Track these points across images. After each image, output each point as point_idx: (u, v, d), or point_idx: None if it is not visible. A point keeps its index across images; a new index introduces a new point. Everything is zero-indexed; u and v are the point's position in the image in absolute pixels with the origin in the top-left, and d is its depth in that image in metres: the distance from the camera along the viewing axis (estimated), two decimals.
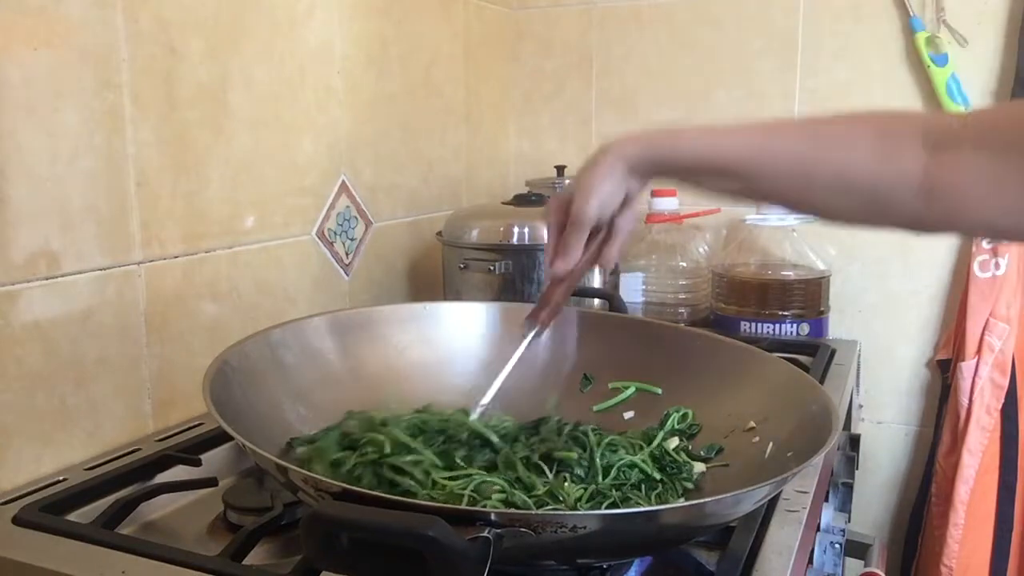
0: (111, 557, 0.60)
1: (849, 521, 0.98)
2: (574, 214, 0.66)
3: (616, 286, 1.21)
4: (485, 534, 0.45)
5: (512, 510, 0.58)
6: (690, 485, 0.68)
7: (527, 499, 0.60)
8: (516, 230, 1.11)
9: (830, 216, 0.63)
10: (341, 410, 0.75)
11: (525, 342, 0.73)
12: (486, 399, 0.72)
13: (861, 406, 1.33)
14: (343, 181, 1.11)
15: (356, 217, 1.14)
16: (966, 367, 1.26)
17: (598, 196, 0.65)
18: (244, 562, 0.61)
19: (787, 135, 0.63)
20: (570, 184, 0.68)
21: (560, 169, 1.41)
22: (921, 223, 0.58)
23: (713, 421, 0.74)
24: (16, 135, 0.70)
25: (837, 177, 0.59)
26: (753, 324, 1.21)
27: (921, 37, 1.25)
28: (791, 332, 1.20)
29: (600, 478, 0.65)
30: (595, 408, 0.81)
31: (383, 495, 0.48)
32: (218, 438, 0.80)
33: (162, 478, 0.75)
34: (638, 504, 0.63)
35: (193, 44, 0.86)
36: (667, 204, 1.31)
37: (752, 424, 0.71)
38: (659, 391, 0.80)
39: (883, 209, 0.59)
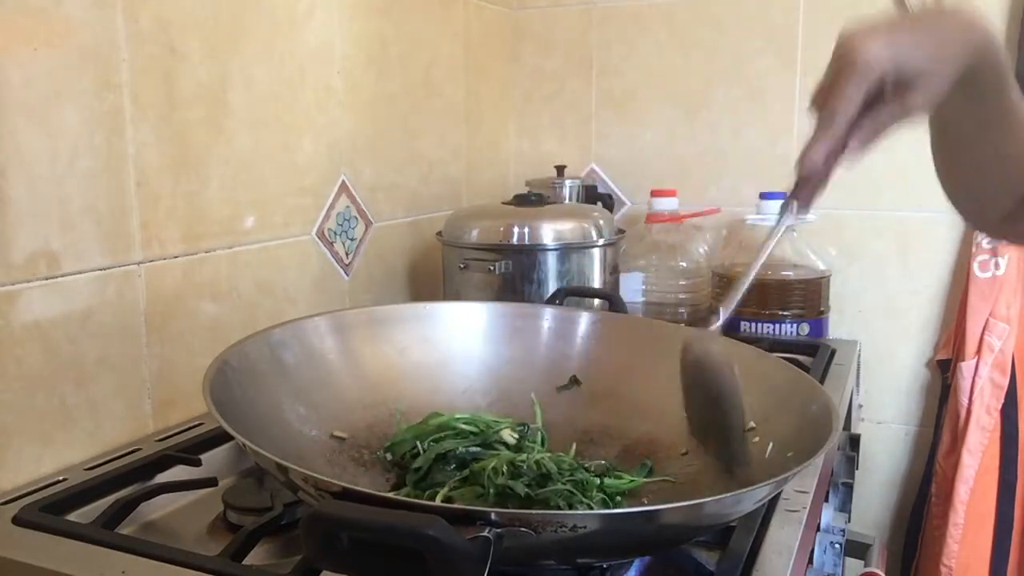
0: (111, 557, 0.60)
1: (849, 521, 0.98)
2: (912, 103, 0.56)
3: (616, 286, 1.21)
4: (485, 534, 0.45)
5: (512, 510, 0.58)
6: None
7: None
8: (516, 230, 1.11)
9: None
10: (341, 410, 0.75)
11: (783, 225, 0.66)
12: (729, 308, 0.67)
13: (861, 406, 1.33)
14: (343, 181, 1.11)
15: (356, 217, 1.14)
16: (966, 367, 1.26)
17: (941, 95, 0.57)
18: (244, 562, 0.61)
19: None
20: (910, 37, 0.56)
21: (560, 169, 1.41)
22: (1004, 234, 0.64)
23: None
24: (16, 135, 0.70)
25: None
26: (753, 324, 1.21)
27: None
28: (791, 332, 1.20)
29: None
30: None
31: (383, 495, 0.48)
32: (218, 438, 0.80)
33: (162, 478, 0.75)
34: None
35: (193, 44, 0.86)
36: (667, 204, 1.31)
37: (752, 424, 0.71)
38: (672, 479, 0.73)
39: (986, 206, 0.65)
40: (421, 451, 0.70)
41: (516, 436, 0.73)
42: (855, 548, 1.12)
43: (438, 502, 0.61)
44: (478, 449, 0.70)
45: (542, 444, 0.75)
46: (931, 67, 0.55)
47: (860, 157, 0.59)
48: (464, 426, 0.73)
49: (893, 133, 0.58)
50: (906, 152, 1.29)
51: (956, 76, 0.57)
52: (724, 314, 0.67)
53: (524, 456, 0.67)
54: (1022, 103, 0.63)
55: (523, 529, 0.46)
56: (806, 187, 0.63)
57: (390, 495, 0.50)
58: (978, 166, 0.67)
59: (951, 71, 0.56)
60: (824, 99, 0.57)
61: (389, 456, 0.72)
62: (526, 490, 0.62)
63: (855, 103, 0.56)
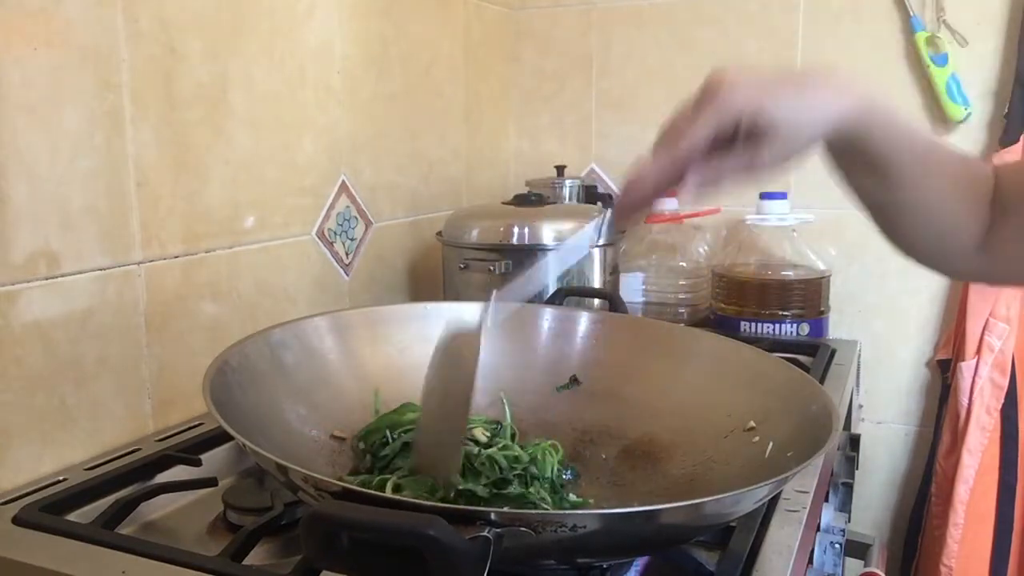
0: (111, 557, 0.60)
1: (849, 521, 0.98)
2: (761, 156, 0.54)
3: (616, 286, 1.21)
4: (485, 534, 0.45)
5: (512, 510, 0.58)
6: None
7: None
8: (516, 230, 1.11)
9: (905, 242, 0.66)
10: (341, 410, 0.75)
11: (588, 228, 0.63)
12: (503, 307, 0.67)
13: (861, 406, 1.33)
14: (343, 181, 1.11)
15: (356, 217, 1.14)
16: (966, 367, 1.26)
17: (793, 154, 0.56)
18: (244, 562, 0.61)
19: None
20: (772, 87, 0.55)
21: (560, 169, 1.41)
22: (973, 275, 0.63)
23: (713, 421, 0.74)
24: (16, 135, 0.70)
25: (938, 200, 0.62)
26: (753, 324, 1.21)
27: (921, 37, 1.25)
28: (791, 332, 1.20)
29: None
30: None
31: (383, 495, 0.48)
32: (218, 438, 0.80)
33: (162, 478, 0.75)
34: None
35: (193, 44, 0.86)
36: (667, 204, 1.31)
37: (752, 424, 0.71)
38: None
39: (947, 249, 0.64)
40: (390, 440, 0.70)
41: (488, 434, 0.73)
42: (855, 548, 1.12)
43: (388, 491, 0.61)
44: None
45: (512, 440, 0.75)
46: (787, 126, 0.54)
47: (691, 194, 0.56)
48: None
49: (735, 184, 0.56)
50: None
51: (813, 139, 0.56)
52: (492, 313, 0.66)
53: (477, 451, 0.68)
54: (935, 142, 0.62)
55: (523, 529, 0.46)
56: (624, 205, 0.60)
57: (390, 495, 0.50)
58: (918, 226, 0.64)
59: (806, 133, 0.55)
60: (673, 127, 0.56)
61: (362, 444, 0.72)
62: (484, 489, 0.63)
63: (702, 137, 0.55)
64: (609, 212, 0.61)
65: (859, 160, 0.59)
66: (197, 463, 0.76)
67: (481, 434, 0.73)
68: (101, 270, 0.79)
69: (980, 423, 1.25)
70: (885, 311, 1.35)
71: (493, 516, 0.46)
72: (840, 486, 0.97)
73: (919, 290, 1.34)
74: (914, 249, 0.67)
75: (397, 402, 0.78)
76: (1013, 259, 0.62)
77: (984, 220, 0.62)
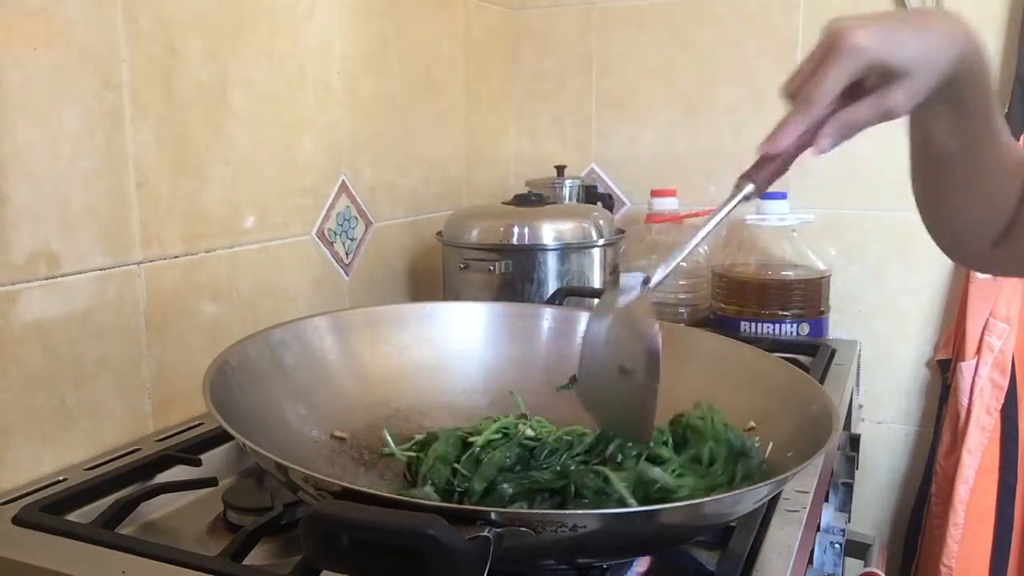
0: (111, 557, 0.60)
1: (849, 521, 0.98)
2: (892, 101, 0.55)
3: (616, 286, 1.21)
4: (485, 533, 0.45)
5: (512, 510, 0.58)
6: None
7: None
8: (516, 230, 1.11)
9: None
10: (341, 410, 0.75)
11: (734, 202, 0.61)
12: (664, 271, 0.66)
13: (861, 406, 1.33)
14: (343, 181, 1.11)
15: (356, 217, 1.14)
16: (966, 367, 1.26)
17: (924, 93, 0.55)
18: (244, 562, 0.61)
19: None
20: (900, 33, 0.54)
21: (560, 169, 1.41)
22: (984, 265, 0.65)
23: None
24: (16, 135, 0.70)
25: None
26: (753, 324, 1.21)
27: None
28: (791, 332, 1.20)
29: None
30: None
31: (383, 494, 0.48)
32: (218, 438, 0.80)
33: (162, 478, 0.75)
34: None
35: (193, 44, 0.86)
36: (667, 204, 1.31)
37: (752, 424, 0.71)
38: None
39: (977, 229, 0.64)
40: (463, 473, 0.65)
41: (532, 428, 0.72)
42: (855, 548, 1.12)
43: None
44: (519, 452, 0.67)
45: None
46: (917, 65, 0.54)
47: (829, 149, 0.56)
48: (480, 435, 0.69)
49: (865, 129, 0.57)
50: (905, 153, 1.30)
51: (941, 79, 0.55)
52: (657, 278, 0.65)
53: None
54: (1005, 128, 0.62)
55: (523, 529, 0.46)
56: (766, 168, 0.59)
57: (389, 495, 0.50)
58: (961, 189, 0.65)
59: (936, 73, 0.55)
60: (801, 84, 0.56)
61: (431, 485, 0.65)
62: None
63: (838, 87, 0.54)
64: (749, 184, 0.60)
65: (951, 104, 0.58)
66: (197, 463, 0.76)
67: (529, 429, 0.72)
68: (101, 270, 0.79)
69: (980, 423, 1.25)
70: (885, 311, 1.35)
71: (493, 516, 0.46)
72: (840, 486, 0.97)
73: (919, 290, 1.34)
74: (945, 222, 0.67)
75: (397, 402, 0.78)
76: None
77: (1012, 209, 0.63)
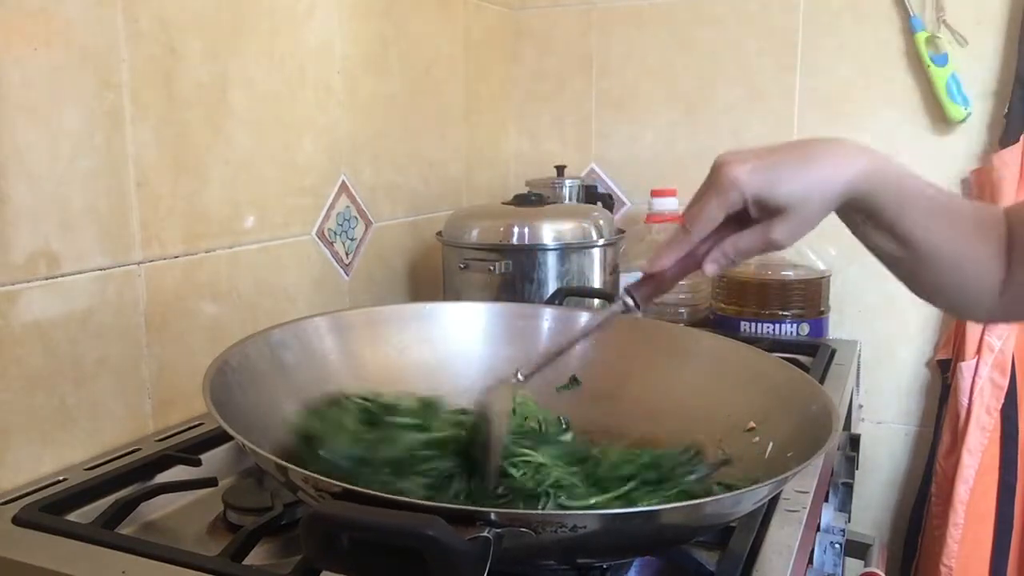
0: (111, 557, 0.60)
1: (849, 521, 0.98)
2: (774, 237, 0.57)
3: (616, 286, 1.21)
4: (485, 534, 0.45)
5: (512, 510, 0.58)
6: None
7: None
8: (516, 230, 1.11)
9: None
10: None
11: (616, 312, 0.64)
12: (527, 371, 0.67)
13: (861, 406, 1.33)
14: (343, 181, 1.11)
15: (356, 217, 1.14)
16: (966, 367, 1.26)
17: (804, 231, 0.58)
18: (244, 562, 0.61)
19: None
20: (779, 170, 0.56)
21: (560, 169, 1.41)
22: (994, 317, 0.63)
23: (713, 421, 0.74)
24: (16, 135, 0.70)
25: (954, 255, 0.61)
26: (753, 324, 1.21)
27: (921, 37, 1.25)
28: (791, 332, 1.20)
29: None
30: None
31: (383, 495, 0.48)
32: (218, 438, 0.80)
33: (162, 478, 0.75)
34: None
35: (193, 44, 0.86)
36: (667, 204, 1.31)
37: (752, 424, 0.71)
38: None
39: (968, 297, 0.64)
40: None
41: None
42: (855, 548, 1.12)
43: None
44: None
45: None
46: (794, 201, 0.56)
47: (714, 273, 0.61)
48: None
49: (752, 256, 0.60)
50: (905, 153, 1.30)
51: (825, 210, 0.57)
52: (526, 371, 0.67)
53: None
54: (947, 194, 0.62)
55: (523, 529, 0.46)
56: (648, 285, 0.63)
57: (389, 495, 0.50)
58: (933, 276, 0.63)
59: (818, 206, 0.56)
60: (687, 214, 0.60)
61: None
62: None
63: (715, 219, 0.58)
64: (628, 299, 0.63)
65: (871, 221, 0.60)
66: (197, 463, 0.76)
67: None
68: (101, 270, 0.79)
69: (980, 423, 1.25)
70: (885, 311, 1.35)
71: (493, 516, 0.46)
72: (840, 486, 0.97)
73: None
74: (937, 298, 0.67)
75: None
76: None
77: (1002, 265, 0.62)
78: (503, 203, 1.19)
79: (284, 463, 0.52)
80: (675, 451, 0.67)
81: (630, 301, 0.63)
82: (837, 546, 0.86)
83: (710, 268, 0.60)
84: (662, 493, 0.61)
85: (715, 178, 0.58)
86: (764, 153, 0.57)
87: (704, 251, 0.60)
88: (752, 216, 0.58)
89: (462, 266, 1.13)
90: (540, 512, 0.58)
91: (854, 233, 0.62)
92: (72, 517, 0.67)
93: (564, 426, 0.78)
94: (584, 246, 1.13)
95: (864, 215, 0.59)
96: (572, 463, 0.65)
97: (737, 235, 0.59)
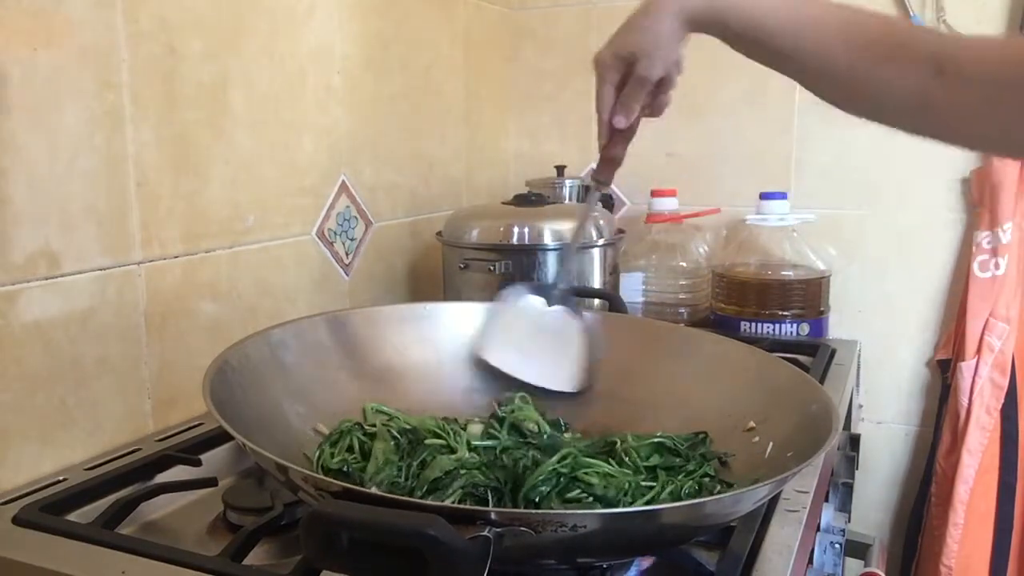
0: (111, 557, 0.60)
1: (849, 521, 0.98)
2: (640, 73, 0.71)
3: (616, 286, 1.21)
4: (485, 533, 0.45)
5: (512, 510, 0.58)
6: None
7: None
8: (516, 230, 1.11)
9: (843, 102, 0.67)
10: (341, 410, 0.75)
11: (595, 197, 0.83)
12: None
13: (861, 406, 1.33)
14: (343, 181, 1.11)
15: (356, 217, 1.14)
16: (966, 367, 1.26)
17: (665, 57, 0.70)
18: (244, 562, 0.61)
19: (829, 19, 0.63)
20: (622, 35, 0.72)
21: (560, 169, 1.41)
22: (916, 130, 0.63)
23: (713, 421, 0.74)
24: (16, 135, 0.70)
25: (851, 70, 0.62)
26: (753, 324, 1.21)
27: None
28: (791, 332, 1.20)
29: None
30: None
31: (383, 495, 0.48)
32: (218, 438, 0.80)
33: (162, 478, 0.75)
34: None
35: (193, 44, 0.86)
36: (667, 204, 1.31)
37: (752, 424, 0.71)
38: None
39: (882, 108, 0.64)
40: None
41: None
42: (855, 548, 1.12)
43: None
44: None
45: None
46: (641, 41, 0.69)
47: (623, 124, 0.74)
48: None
49: (657, 104, 0.76)
50: (905, 153, 1.30)
51: (670, 40, 0.69)
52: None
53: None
54: (819, 5, 0.64)
55: (523, 529, 0.46)
56: (605, 165, 0.79)
57: (390, 495, 0.50)
58: (831, 83, 0.66)
59: (662, 38, 0.69)
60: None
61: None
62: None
63: (606, 96, 0.74)
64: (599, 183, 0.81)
65: (737, 42, 0.67)
66: (197, 463, 0.76)
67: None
68: (101, 270, 0.79)
69: (980, 423, 1.25)
70: (885, 311, 1.35)
71: (493, 516, 0.46)
72: (840, 486, 0.97)
73: (919, 290, 1.34)
74: (851, 108, 0.67)
75: (397, 402, 0.78)
76: (968, 121, 0.60)
77: (917, 78, 0.59)
78: (503, 203, 1.19)
79: (284, 463, 0.52)
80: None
81: (597, 184, 0.80)
82: (837, 546, 0.86)
83: (618, 120, 0.74)
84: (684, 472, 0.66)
85: (594, 69, 0.74)
86: (615, 33, 0.73)
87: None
88: (625, 72, 0.72)
89: (462, 266, 1.13)
90: (540, 512, 0.58)
91: (758, 61, 0.68)
92: (72, 517, 0.67)
93: (563, 428, 0.79)
94: (584, 246, 1.13)
95: (725, 37, 0.67)
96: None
97: (623, 92, 0.73)
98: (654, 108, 0.76)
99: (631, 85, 0.72)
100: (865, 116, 0.65)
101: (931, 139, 0.62)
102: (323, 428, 0.73)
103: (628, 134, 0.77)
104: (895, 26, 0.63)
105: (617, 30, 0.72)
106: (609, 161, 0.78)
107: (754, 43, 0.66)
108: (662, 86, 0.74)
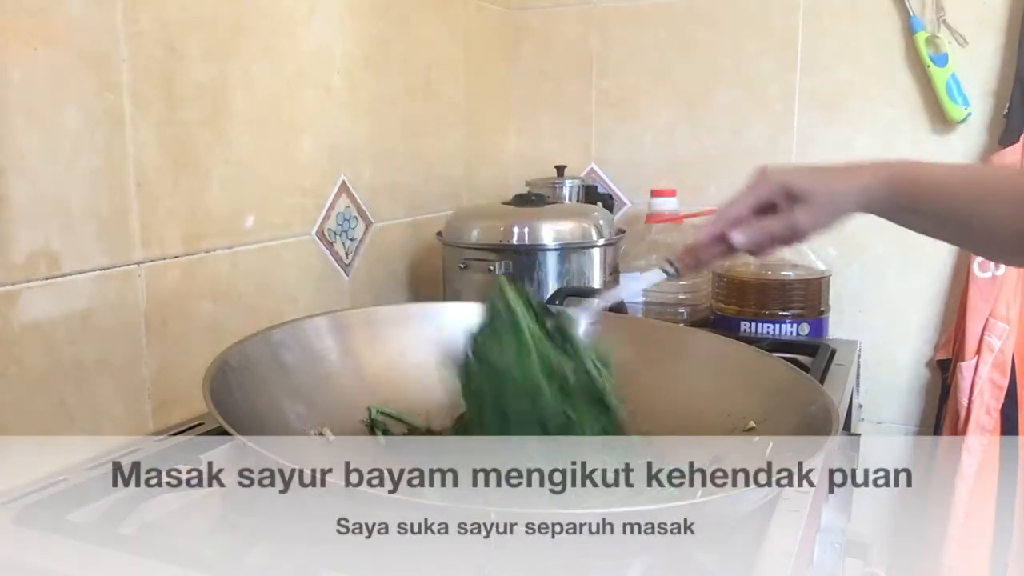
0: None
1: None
2: (798, 222, 0.66)
3: (616, 286, 1.21)
4: (485, 533, 0.45)
5: (512, 510, 0.58)
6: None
7: None
8: (516, 230, 1.11)
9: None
10: (341, 410, 0.75)
11: (657, 276, 0.77)
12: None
13: (861, 406, 1.33)
14: (343, 181, 1.11)
15: (356, 217, 1.14)
16: (966, 367, 1.26)
17: (824, 225, 0.67)
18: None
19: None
20: (811, 175, 0.67)
21: (560, 169, 1.41)
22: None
23: (713, 421, 0.74)
24: (16, 135, 0.70)
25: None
26: (753, 324, 1.21)
27: (921, 37, 1.25)
28: (791, 332, 1.20)
29: None
30: None
31: (385, 495, 0.48)
32: (218, 438, 0.80)
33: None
34: None
35: (193, 44, 0.86)
36: (667, 204, 1.31)
37: (752, 424, 0.71)
38: None
39: None
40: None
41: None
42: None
43: None
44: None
45: None
46: (814, 191, 0.65)
47: (742, 244, 0.68)
48: None
49: (782, 246, 0.69)
50: (905, 153, 1.30)
51: (846, 207, 0.66)
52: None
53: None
54: (985, 171, 0.67)
55: (523, 528, 0.46)
56: (690, 257, 0.73)
57: (390, 495, 0.50)
58: (993, 241, 0.68)
59: (838, 202, 0.66)
60: (723, 206, 0.70)
61: None
62: None
63: (744, 207, 0.68)
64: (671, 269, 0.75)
65: (912, 215, 0.67)
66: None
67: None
68: (101, 270, 0.79)
69: (980, 423, 1.25)
70: (885, 311, 1.35)
71: (493, 516, 0.46)
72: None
73: (919, 290, 1.34)
74: (999, 258, 0.75)
75: (397, 402, 0.78)
76: None
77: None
78: (503, 203, 1.19)
79: (284, 463, 0.52)
80: None
81: (671, 270, 0.74)
82: (837, 546, 0.86)
83: (737, 236, 0.68)
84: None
85: (753, 176, 0.68)
86: (813, 168, 0.67)
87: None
88: (779, 203, 0.67)
89: (462, 266, 1.13)
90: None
91: (908, 227, 0.69)
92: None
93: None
94: (584, 246, 1.13)
95: (900, 210, 0.66)
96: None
97: (766, 218, 0.67)
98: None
99: (776, 220, 0.67)
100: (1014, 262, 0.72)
101: None
102: (327, 432, 0.73)
103: (731, 252, 0.70)
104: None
105: (812, 166, 0.68)
106: (694, 255, 0.72)
107: (923, 216, 0.66)
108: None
